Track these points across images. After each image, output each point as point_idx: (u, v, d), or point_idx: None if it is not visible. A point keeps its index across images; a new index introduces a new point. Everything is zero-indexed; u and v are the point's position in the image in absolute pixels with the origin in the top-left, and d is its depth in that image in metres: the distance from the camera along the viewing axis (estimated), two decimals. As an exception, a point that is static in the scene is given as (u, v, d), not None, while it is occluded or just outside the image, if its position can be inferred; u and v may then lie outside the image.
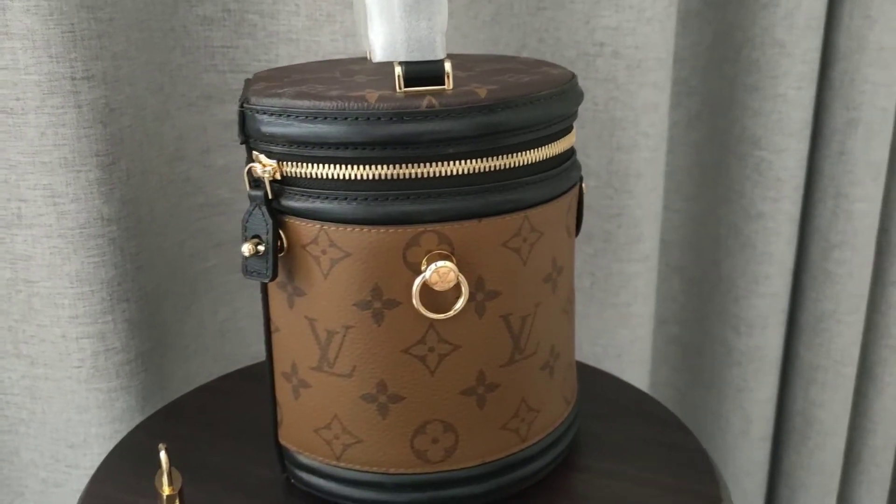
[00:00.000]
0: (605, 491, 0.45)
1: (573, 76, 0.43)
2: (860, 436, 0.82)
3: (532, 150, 0.40)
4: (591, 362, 0.75)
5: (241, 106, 0.39)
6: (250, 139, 0.39)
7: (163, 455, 0.41)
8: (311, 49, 0.60)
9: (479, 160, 0.38)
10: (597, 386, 0.56)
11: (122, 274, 0.55)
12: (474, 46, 0.66)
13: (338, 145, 0.37)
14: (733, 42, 0.73)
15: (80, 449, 0.58)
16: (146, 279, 0.57)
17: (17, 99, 0.50)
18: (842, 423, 0.78)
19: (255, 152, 0.39)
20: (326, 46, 0.60)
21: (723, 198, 0.76)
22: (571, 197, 0.43)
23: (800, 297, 0.78)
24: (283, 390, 0.43)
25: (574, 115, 0.42)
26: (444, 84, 0.38)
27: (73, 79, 0.50)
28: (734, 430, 0.79)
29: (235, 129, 0.64)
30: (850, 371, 0.76)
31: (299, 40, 0.60)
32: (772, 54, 0.69)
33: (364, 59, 0.49)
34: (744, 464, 0.80)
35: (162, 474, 0.42)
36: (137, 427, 0.52)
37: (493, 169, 0.39)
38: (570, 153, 0.43)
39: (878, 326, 0.78)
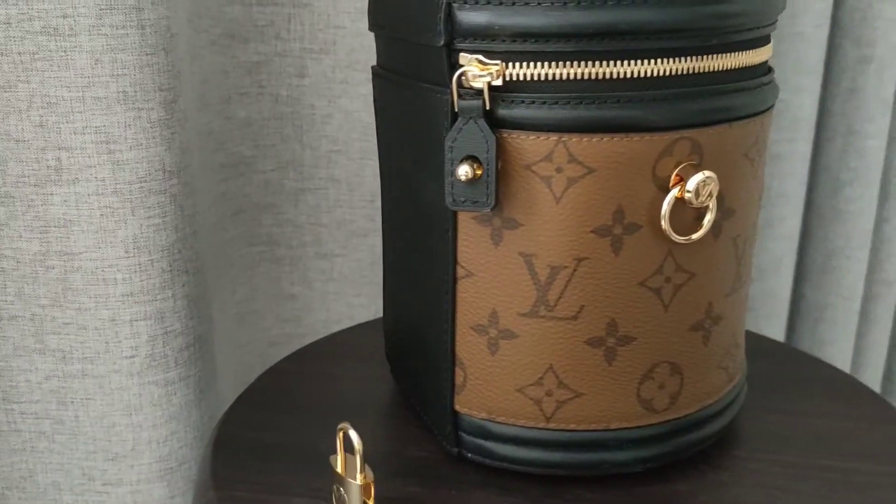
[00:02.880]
0: (806, 428, 0.42)
1: None
2: (852, 370, 0.84)
3: (765, 47, 0.35)
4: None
5: (448, -3, 0.32)
6: (456, 38, 0.32)
7: (353, 435, 0.33)
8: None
9: (732, 54, 0.33)
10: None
11: (182, 239, 0.45)
12: None
13: (591, 36, 0.31)
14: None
15: (126, 461, 0.47)
16: (200, 246, 0.48)
17: (65, 16, 0.39)
18: (847, 358, 0.80)
19: (463, 54, 0.32)
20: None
21: (732, 143, 0.75)
22: None
23: (806, 237, 0.79)
24: (471, 346, 0.36)
25: None
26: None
27: (135, -8, 0.40)
28: (748, 377, 0.79)
29: (260, 74, 0.55)
30: (857, 306, 0.78)
31: (348, -35, 0.53)
32: (790, -8, 0.69)
33: None
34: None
35: (351, 460, 0.34)
36: (226, 421, 0.42)
37: (740, 66, 0.34)
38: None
39: (870, 262, 0.81)
